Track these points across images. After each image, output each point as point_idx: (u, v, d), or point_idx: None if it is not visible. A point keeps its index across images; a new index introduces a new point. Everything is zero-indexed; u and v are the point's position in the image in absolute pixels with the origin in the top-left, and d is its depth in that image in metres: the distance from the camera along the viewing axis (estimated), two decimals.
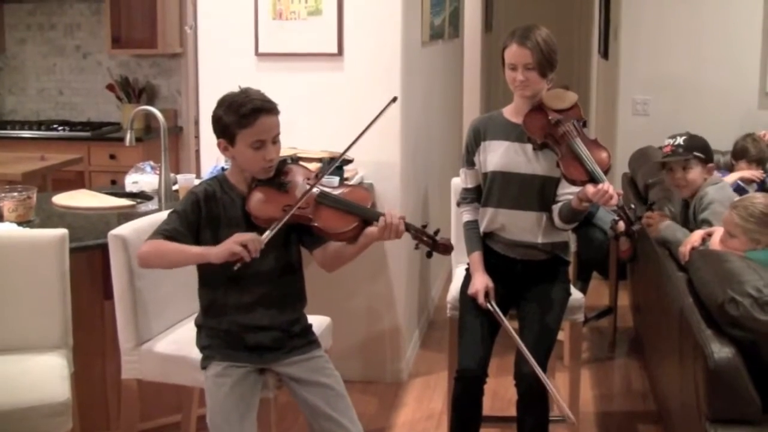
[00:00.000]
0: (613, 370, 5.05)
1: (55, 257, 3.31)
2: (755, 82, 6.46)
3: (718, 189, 3.86)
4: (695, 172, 3.95)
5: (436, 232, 3.02)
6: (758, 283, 2.84)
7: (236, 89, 3.00)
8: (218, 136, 3.00)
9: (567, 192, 3.40)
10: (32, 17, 7.27)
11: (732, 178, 4.60)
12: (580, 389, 3.95)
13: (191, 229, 2.97)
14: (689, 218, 3.96)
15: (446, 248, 3.03)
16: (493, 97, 9.49)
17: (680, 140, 4.00)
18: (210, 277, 3.04)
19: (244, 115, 2.91)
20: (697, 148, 3.95)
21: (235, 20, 4.65)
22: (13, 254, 3.32)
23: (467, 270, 3.61)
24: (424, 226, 3.04)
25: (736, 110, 6.35)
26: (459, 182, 3.74)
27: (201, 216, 2.98)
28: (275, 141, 2.99)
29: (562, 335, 4.24)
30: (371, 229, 2.97)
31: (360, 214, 3.00)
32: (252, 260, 2.82)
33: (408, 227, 2.98)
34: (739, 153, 4.90)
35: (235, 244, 2.81)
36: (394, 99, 3.10)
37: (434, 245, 3.01)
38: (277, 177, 3.03)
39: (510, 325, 3.44)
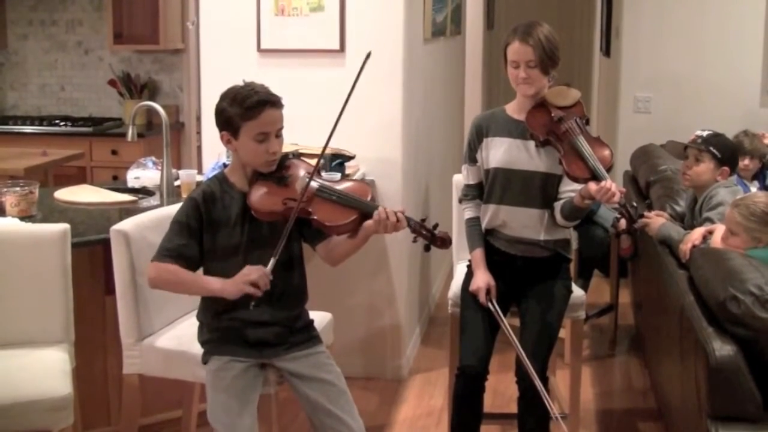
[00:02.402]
0: (614, 367, 5.05)
1: (56, 252, 3.32)
2: (757, 80, 6.47)
3: (730, 192, 3.83)
4: (703, 167, 3.92)
5: (435, 226, 3.02)
6: (759, 281, 2.84)
7: (239, 84, 3.01)
8: (221, 129, 3.00)
9: (569, 189, 3.40)
10: (34, 13, 7.27)
11: None
12: (581, 386, 3.95)
13: (194, 237, 2.99)
14: (695, 214, 3.96)
15: (444, 242, 3.03)
16: (495, 94, 9.49)
17: (705, 133, 4.00)
18: (211, 274, 3.03)
19: (249, 107, 2.92)
20: (715, 145, 3.92)
21: (237, 16, 4.65)
22: (15, 249, 3.32)
23: (469, 267, 3.61)
24: (423, 220, 3.04)
25: (737, 108, 6.36)
26: (460, 179, 3.73)
27: (202, 221, 2.99)
28: (278, 134, 2.99)
29: (563, 332, 4.24)
30: (369, 223, 2.98)
31: (358, 207, 3.00)
32: (265, 294, 2.89)
33: (407, 221, 2.99)
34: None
35: (245, 285, 2.87)
36: (369, 54, 3.10)
37: (432, 238, 3.02)
38: (278, 171, 3.04)
39: (511, 323, 3.45)
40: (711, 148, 3.92)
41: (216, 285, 2.96)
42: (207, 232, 3.00)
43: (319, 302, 3.45)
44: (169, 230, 3.02)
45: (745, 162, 4.71)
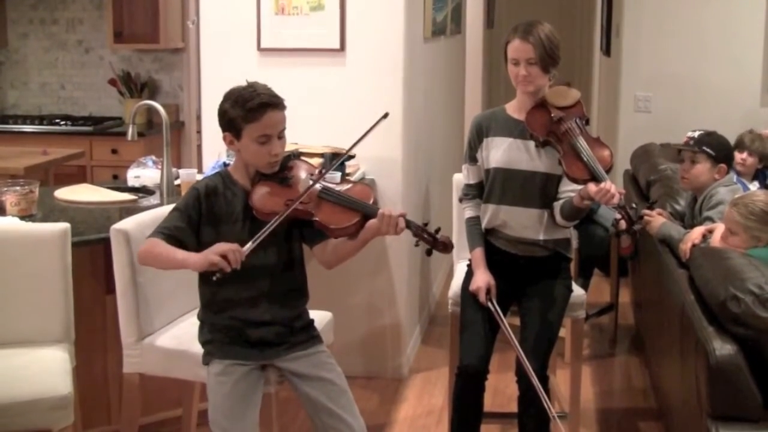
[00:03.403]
0: (614, 366, 5.05)
1: (57, 251, 3.32)
2: (757, 80, 6.47)
3: (730, 191, 3.83)
4: (700, 168, 3.93)
5: (437, 231, 3.01)
6: (760, 280, 2.84)
7: (239, 84, 3.00)
8: (224, 130, 3.00)
9: (569, 189, 3.40)
10: (34, 12, 7.27)
11: None
12: (581, 386, 3.94)
13: (192, 224, 2.98)
14: (695, 213, 3.96)
15: (446, 246, 3.02)
16: (495, 94, 9.49)
17: (696, 134, 3.99)
18: (210, 273, 3.03)
19: (251, 109, 2.91)
20: (709, 145, 3.92)
21: (237, 15, 4.65)
22: (16, 248, 3.32)
23: (469, 266, 3.61)
24: (425, 224, 3.03)
25: (737, 107, 6.36)
26: (461, 178, 3.73)
27: (201, 212, 2.98)
28: (281, 136, 2.99)
29: (563, 332, 4.24)
30: (371, 223, 2.97)
31: (361, 209, 3.00)
32: (233, 271, 2.80)
33: (408, 224, 2.98)
34: (736, 144, 4.90)
35: (215, 255, 2.80)
36: (385, 115, 3.09)
37: (434, 243, 3.01)
38: (281, 172, 3.04)
39: (511, 323, 3.45)
40: (705, 148, 3.92)
41: (181, 255, 2.90)
42: (207, 224, 2.99)
43: (319, 302, 3.45)
44: (168, 214, 3.02)
45: (742, 156, 4.70)
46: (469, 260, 3.61)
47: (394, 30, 4.56)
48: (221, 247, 2.83)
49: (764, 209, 3.30)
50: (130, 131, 4.37)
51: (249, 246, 2.86)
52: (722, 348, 2.80)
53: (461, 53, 7.59)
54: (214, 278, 2.82)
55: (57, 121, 6.91)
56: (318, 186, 3.01)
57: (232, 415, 2.91)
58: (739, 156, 4.64)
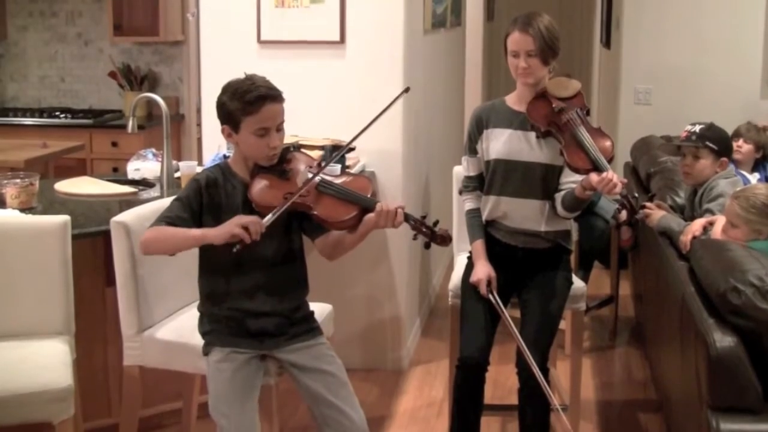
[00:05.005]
0: (614, 358, 5.06)
1: (57, 244, 3.32)
2: (758, 72, 6.47)
3: (730, 183, 3.83)
4: (704, 163, 3.92)
5: (435, 223, 3.01)
6: (760, 272, 2.84)
7: (240, 76, 2.99)
8: (222, 123, 3.00)
9: (570, 180, 3.40)
10: (34, 4, 7.26)
11: None
12: (582, 378, 3.95)
13: (193, 215, 2.98)
14: (695, 205, 3.95)
15: (444, 239, 3.02)
16: (495, 86, 9.48)
17: (697, 128, 3.98)
18: (211, 264, 3.04)
19: (249, 102, 2.90)
20: (711, 139, 3.91)
21: (237, 7, 4.64)
22: (16, 241, 3.32)
23: (469, 258, 3.61)
24: (424, 217, 3.03)
25: (738, 100, 6.36)
26: (461, 170, 3.73)
27: (203, 203, 2.98)
28: (279, 128, 2.98)
29: (563, 324, 4.24)
30: (369, 217, 2.97)
31: (360, 202, 2.99)
32: (252, 243, 2.81)
33: (407, 217, 2.98)
34: (732, 135, 4.89)
35: (236, 226, 2.81)
36: (407, 89, 3.09)
37: (432, 236, 3.00)
38: (280, 164, 3.03)
39: (511, 315, 3.45)
40: (707, 143, 3.90)
41: (199, 231, 2.91)
42: (208, 214, 2.99)
43: (319, 294, 3.45)
44: (170, 204, 3.02)
45: (738, 143, 4.70)
46: (470, 252, 3.60)
47: (394, 22, 4.56)
48: (242, 219, 2.83)
49: (765, 202, 3.30)
50: (130, 124, 4.37)
51: (269, 218, 2.85)
52: (722, 340, 2.80)
53: (461, 45, 7.58)
54: (234, 250, 2.81)
55: (57, 113, 6.91)
56: (317, 179, 3.00)
57: (232, 401, 2.91)
58: (735, 144, 4.64)
